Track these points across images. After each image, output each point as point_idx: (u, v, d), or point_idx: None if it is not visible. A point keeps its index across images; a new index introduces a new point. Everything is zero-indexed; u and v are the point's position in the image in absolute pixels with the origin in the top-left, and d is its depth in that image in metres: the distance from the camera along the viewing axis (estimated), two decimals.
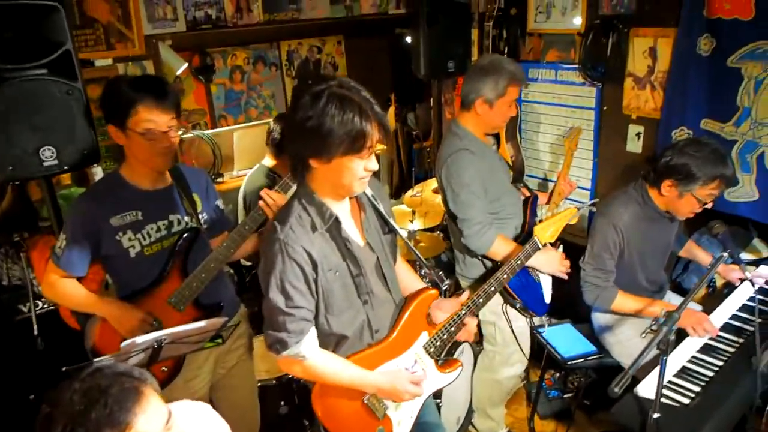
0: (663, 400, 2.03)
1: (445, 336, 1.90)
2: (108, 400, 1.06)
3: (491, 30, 3.54)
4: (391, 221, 1.87)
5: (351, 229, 1.76)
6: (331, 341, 1.77)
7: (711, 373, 2.16)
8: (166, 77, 3.38)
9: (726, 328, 2.41)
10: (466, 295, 1.95)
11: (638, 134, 3.14)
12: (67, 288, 2.00)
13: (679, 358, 2.27)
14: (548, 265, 2.47)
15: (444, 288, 1.95)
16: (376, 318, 1.81)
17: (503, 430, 3.03)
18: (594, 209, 3.55)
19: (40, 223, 2.51)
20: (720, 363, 2.21)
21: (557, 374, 3.40)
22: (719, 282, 3.04)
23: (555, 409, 3.25)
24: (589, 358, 2.62)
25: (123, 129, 1.86)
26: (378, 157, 4.00)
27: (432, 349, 1.90)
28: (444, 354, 1.95)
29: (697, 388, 2.08)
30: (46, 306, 2.55)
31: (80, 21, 2.71)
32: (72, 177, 2.75)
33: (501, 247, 2.37)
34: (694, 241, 2.87)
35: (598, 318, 2.69)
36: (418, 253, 1.90)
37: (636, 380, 2.09)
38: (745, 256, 3.01)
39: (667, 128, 2.97)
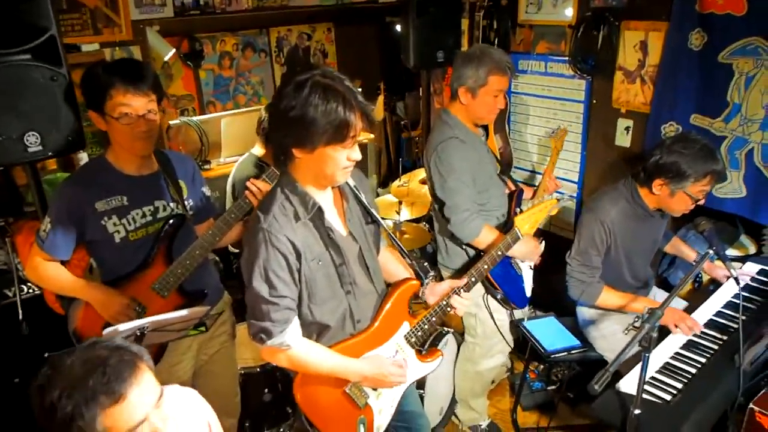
0: (644, 396, 2.05)
1: (425, 326, 1.91)
2: (106, 369, 1.12)
3: (482, 20, 3.52)
4: (374, 211, 1.88)
5: (334, 218, 1.77)
6: (313, 330, 1.79)
7: (694, 370, 2.18)
8: (153, 63, 3.35)
9: (710, 324, 2.43)
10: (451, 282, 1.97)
11: (627, 128, 3.14)
12: (50, 271, 2.01)
13: (662, 354, 2.29)
14: (528, 254, 2.51)
15: (427, 281, 1.95)
16: (358, 308, 1.83)
17: (485, 421, 3.06)
18: (571, 202, 3.59)
19: (25, 208, 2.50)
20: (703, 360, 2.23)
21: (541, 366, 3.43)
22: (705, 278, 3.07)
23: (538, 401, 3.28)
24: (573, 351, 2.64)
25: (102, 114, 1.86)
26: (365, 146, 4.00)
27: (413, 339, 1.92)
28: (428, 344, 1.96)
29: (679, 385, 2.10)
30: (31, 291, 2.54)
31: (66, 5, 2.68)
32: (57, 162, 2.73)
33: (487, 236, 2.38)
34: (681, 237, 2.89)
35: (583, 312, 2.70)
36: (400, 244, 1.90)
37: (618, 376, 2.11)
38: (732, 252, 3.03)
39: (657, 123, 2.98)
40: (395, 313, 1.89)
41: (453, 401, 3.14)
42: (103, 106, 1.84)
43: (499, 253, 2.04)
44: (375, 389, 1.90)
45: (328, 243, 1.72)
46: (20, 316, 2.44)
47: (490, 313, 2.57)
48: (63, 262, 2.04)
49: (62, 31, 2.65)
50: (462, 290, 1.92)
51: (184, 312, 1.91)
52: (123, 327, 1.78)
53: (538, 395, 3.30)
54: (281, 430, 2.90)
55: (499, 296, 2.52)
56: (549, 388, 3.33)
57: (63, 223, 1.93)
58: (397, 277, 2.01)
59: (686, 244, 2.81)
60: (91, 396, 1.10)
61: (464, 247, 2.53)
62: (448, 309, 1.91)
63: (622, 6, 2.94)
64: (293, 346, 1.68)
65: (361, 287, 1.82)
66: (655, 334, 1.76)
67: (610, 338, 2.54)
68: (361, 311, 1.84)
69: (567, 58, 3.26)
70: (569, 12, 3.17)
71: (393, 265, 2.07)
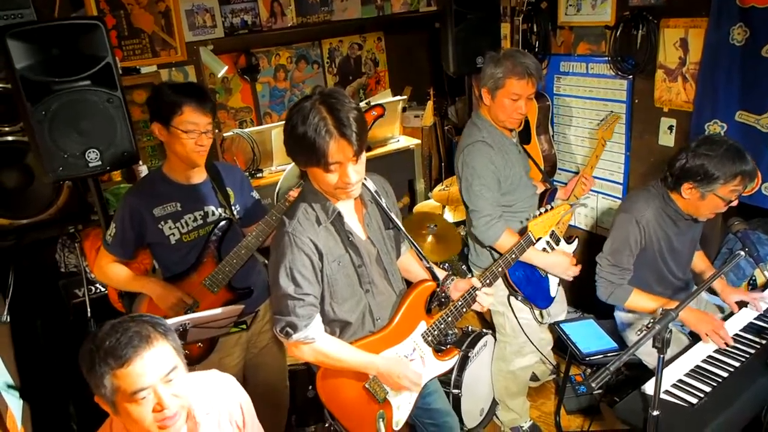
0: (670, 398, 2.04)
1: (442, 325, 1.98)
2: (122, 336, 1.30)
3: (521, 24, 3.52)
4: (394, 217, 1.96)
5: (354, 223, 1.87)
6: (336, 327, 1.90)
7: (725, 374, 2.13)
8: (212, 78, 3.63)
9: (748, 328, 2.36)
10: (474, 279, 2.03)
11: (670, 127, 3.06)
12: (115, 270, 2.28)
13: (694, 357, 2.25)
14: (556, 267, 2.51)
15: (451, 279, 2.02)
16: (377, 306, 1.92)
17: (527, 423, 3.07)
18: (585, 207, 3.51)
19: (92, 217, 2.78)
20: (736, 364, 2.17)
21: (588, 370, 3.38)
22: (760, 279, 2.94)
23: (583, 404, 3.24)
24: (609, 354, 2.62)
25: (167, 127, 2.11)
26: (412, 152, 4.09)
27: (430, 338, 1.99)
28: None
29: (707, 388, 2.06)
30: (98, 291, 2.83)
31: (128, 32, 2.96)
32: (121, 174, 3.01)
33: (507, 240, 2.40)
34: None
35: (621, 315, 2.68)
36: (418, 248, 1.99)
37: (646, 378, 2.10)
38: None
39: (700, 121, 2.88)
40: (412, 313, 1.98)
41: (494, 403, 3.18)
42: (171, 120, 2.10)
43: (513, 256, 2.08)
44: None
45: (347, 245, 1.82)
46: (89, 314, 2.72)
47: (514, 314, 2.60)
48: (127, 263, 2.31)
49: (124, 55, 2.96)
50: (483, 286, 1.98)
51: (218, 310, 2.09)
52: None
53: (582, 399, 3.26)
54: (326, 425, 3.04)
55: (519, 297, 2.54)
56: (595, 392, 3.29)
57: (126, 228, 2.21)
58: (420, 278, 2.09)
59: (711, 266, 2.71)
60: (104, 356, 1.29)
61: (488, 248, 2.57)
62: (471, 302, 1.97)
63: (661, 4, 2.87)
64: (317, 340, 1.80)
65: (379, 287, 1.92)
66: (668, 335, 1.75)
67: (649, 341, 2.49)
68: (380, 309, 1.94)
69: (607, 59, 3.22)
70: (608, 12, 3.14)
71: (416, 267, 2.17)
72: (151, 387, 1.32)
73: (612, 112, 3.12)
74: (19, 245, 2.66)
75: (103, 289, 2.81)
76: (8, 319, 2.53)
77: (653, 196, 2.43)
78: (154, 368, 1.33)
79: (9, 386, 2.19)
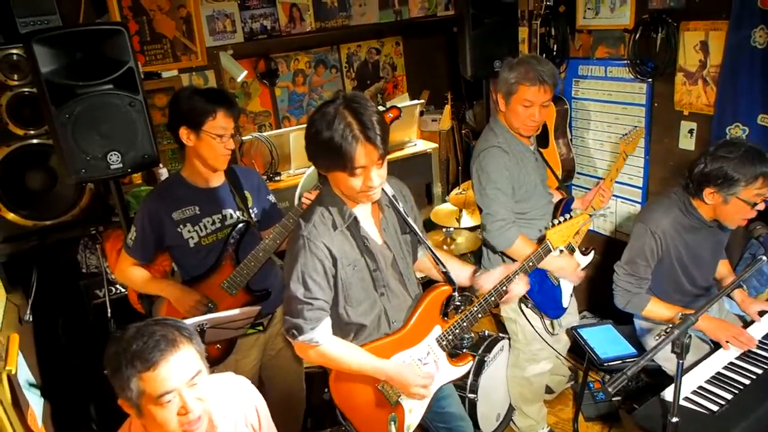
0: (690, 405, 2.01)
1: (457, 330, 1.97)
2: (148, 341, 1.32)
3: (539, 28, 3.51)
4: (411, 221, 1.95)
5: (370, 227, 1.87)
6: (350, 330, 1.90)
7: (747, 381, 2.09)
8: (232, 83, 3.67)
9: None
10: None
11: (691, 131, 3.02)
12: (135, 273, 2.32)
13: (714, 364, 2.21)
14: (563, 271, 2.49)
15: (481, 271, 2.02)
16: (392, 309, 1.92)
17: (544, 429, 3.04)
18: (605, 217, 3.46)
19: (113, 218, 2.83)
20: (758, 371, 2.13)
21: (606, 376, 3.34)
22: None
23: (601, 411, 3.20)
24: (627, 360, 2.58)
25: (197, 132, 2.14)
26: (429, 156, 4.08)
27: (444, 342, 1.99)
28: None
29: (728, 396, 2.03)
30: (118, 292, 2.87)
31: (150, 37, 3.02)
32: (142, 177, 3.06)
33: (521, 246, 2.39)
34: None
35: (640, 321, 2.65)
36: (434, 251, 1.99)
37: (665, 384, 2.07)
38: None
39: (721, 124, 2.84)
40: (427, 317, 1.97)
41: (511, 408, 3.15)
42: (203, 125, 2.13)
43: (530, 264, 2.06)
44: None
45: (363, 251, 1.83)
46: (109, 314, 2.76)
47: (528, 321, 2.58)
48: (146, 266, 2.34)
49: (146, 60, 3.02)
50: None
51: (235, 311, 2.12)
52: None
53: (601, 406, 3.22)
54: (343, 428, 3.05)
55: (529, 305, 2.52)
56: (614, 399, 3.25)
57: (146, 232, 2.24)
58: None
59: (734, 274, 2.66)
60: (130, 359, 1.31)
61: (501, 255, 2.55)
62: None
63: (681, 7, 2.83)
64: (322, 343, 1.80)
65: (393, 290, 1.92)
66: (687, 341, 1.73)
67: (668, 347, 2.46)
68: (395, 313, 1.94)
69: (626, 62, 3.19)
70: (627, 15, 3.11)
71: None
72: (176, 390, 1.34)
73: (636, 126, 3.07)
74: (43, 246, 2.72)
75: (123, 290, 2.85)
76: (31, 319, 2.59)
77: (673, 204, 2.39)
78: (180, 372, 1.34)
79: (31, 384, 2.24)
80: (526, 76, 2.34)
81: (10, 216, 2.61)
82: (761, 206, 2.23)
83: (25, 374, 2.22)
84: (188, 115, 2.15)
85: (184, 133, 2.17)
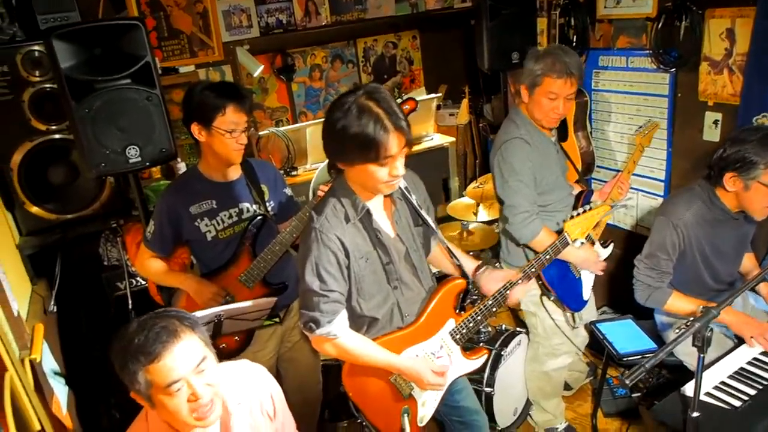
0: (711, 401, 1.97)
1: (471, 324, 1.96)
2: (150, 333, 1.34)
3: (558, 18, 3.45)
4: (424, 214, 1.94)
5: (383, 220, 1.87)
6: (363, 323, 1.90)
7: None
8: (249, 78, 3.69)
9: None
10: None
11: (715, 122, 2.94)
12: (154, 266, 2.35)
13: (737, 359, 2.17)
14: (586, 263, 2.45)
15: (484, 268, 2.01)
16: (405, 303, 1.92)
17: (562, 424, 3.01)
18: (626, 208, 3.41)
19: (133, 212, 2.87)
20: None
21: (626, 372, 3.28)
22: None
23: (621, 407, 3.16)
24: (647, 355, 2.54)
25: (208, 127, 2.15)
26: (446, 150, 4.06)
27: (458, 336, 1.98)
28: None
29: (751, 391, 1.99)
30: (139, 284, 2.92)
31: (167, 33, 3.04)
32: (161, 171, 3.10)
33: (545, 238, 2.36)
34: None
35: (661, 316, 2.60)
36: (448, 244, 1.97)
37: (686, 379, 2.03)
38: None
39: (748, 115, 2.76)
40: (441, 310, 1.96)
41: (528, 403, 3.13)
42: (213, 121, 2.14)
43: (548, 257, 2.03)
44: None
45: (375, 243, 1.83)
46: (130, 306, 2.81)
47: (549, 314, 2.55)
48: (165, 259, 2.37)
49: (164, 56, 3.04)
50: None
51: (249, 303, 2.13)
52: (200, 314, 2.04)
53: (621, 402, 3.18)
54: (359, 420, 3.06)
55: (552, 298, 2.49)
56: (633, 395, 3.20)
57: (164, 226, 2.27)
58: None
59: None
60: (134, 354, 1.33)
61: (521, 246, 2.53)
62: (503, 301, 1.96)
63: None
64: (339, 336, 1.81)
65: (407, 284, 1.91)
66: (708, 334, 1.69)
67: (689, 342, 2.41)
68: (408, 306, 1.93)
69: (649, 52, 3.12)
70: (649, 3, 3.04)
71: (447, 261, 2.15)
72: (183, 378, 1.36)
73: (650, 119, 3.03)
74: (65, 239, 2.77)
75: (143, 283, 2.89)
76: (55, 309, 2.64)
77: (696, 196, 2.34)
78: (185, 360, 1.36)
79: (56, 373, 2.29)
80: (553, 68, 2.30)
81: (35, 210, 2.66)
82: None
83: (50, 363, 2.27)
84: (198, 111, 2.16)
85: (195, 129, 2.18)
